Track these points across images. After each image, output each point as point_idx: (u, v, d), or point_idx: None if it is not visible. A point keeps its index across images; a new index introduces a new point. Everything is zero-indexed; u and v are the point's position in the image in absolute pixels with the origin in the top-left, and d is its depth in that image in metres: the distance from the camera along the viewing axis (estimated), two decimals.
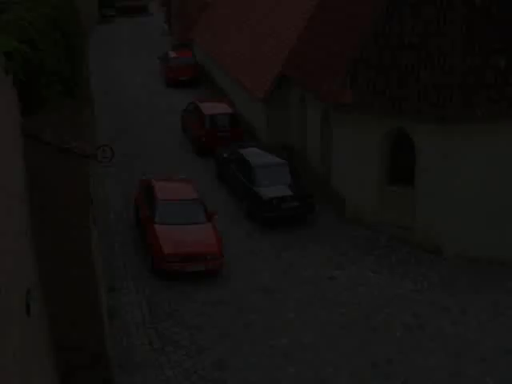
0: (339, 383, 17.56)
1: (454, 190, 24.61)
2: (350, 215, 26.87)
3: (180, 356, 18.07)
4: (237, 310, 20.66)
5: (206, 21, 48.14)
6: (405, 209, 25.64)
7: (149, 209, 23.93)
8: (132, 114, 37.72)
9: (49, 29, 15.00)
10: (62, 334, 14.95)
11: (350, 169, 26.70)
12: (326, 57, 28.18)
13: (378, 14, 26.01)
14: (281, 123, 33.01)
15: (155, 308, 20.13)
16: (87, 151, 13.83)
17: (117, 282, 21.34)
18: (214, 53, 42.91)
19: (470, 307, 21.96)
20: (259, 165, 26.73)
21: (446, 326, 20.68)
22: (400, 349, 19.28)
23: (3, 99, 10.51)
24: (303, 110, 31.05)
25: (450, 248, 25.03)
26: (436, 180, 24.70)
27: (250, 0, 42.12)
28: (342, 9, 30.00)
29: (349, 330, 19.95)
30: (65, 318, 14.83)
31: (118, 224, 25.10)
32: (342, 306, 21.14)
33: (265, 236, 25.14)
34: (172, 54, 45.99)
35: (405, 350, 19.27)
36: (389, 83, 24.99)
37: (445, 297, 22.40)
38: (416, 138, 24.90)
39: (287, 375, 17.66)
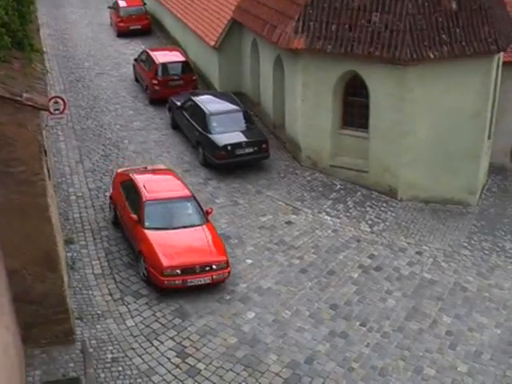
0: (299, 325, 17.84)
1: (406, 133, 24.82)
2: (306, 160, 26.98)
3: (140, 305, 18.13)
4: None
5: None
6: (359, 152, 25.83)
7: (133, 209, 20.16)
8: (83, 66, 37.12)
9: None
10: (22, 287, 14.93)
11: (304, 114, 26.69)
12: (278, 2, 27.92)
13: None
14: (233, 70, 32.79)
15: (114, 259, 20.10)
16: (39, 103, 13.62)
17: (74, 234, 21.21)
18: (164, 0, 42.27)
19: (425, 247, 22.43)
20: (213, 112, 26.61)
21: (402, 267, 21.10)
22: (358, 290, 19.64)
23: None
24: (256, 56, 30.88)
25: (405, 190, 25.38)
26: (389, 123, 24.85)
27: None
28: None
29: (307, 273, 20.21)
30: (24, 272, 14.79)
31: (73, 176, 24.87)
32: (300, 251, 21.36)
33: (221, 183, 25.14)
34: (122, 3, 45.13)
35: (363, 291, 19.63)
36: (340, 27, 24.91)
37: (401, 238, 22.83)
38: (369, 82, 24.97)
39: (247, 320, 17.86)
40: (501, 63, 27.18)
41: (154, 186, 20.92)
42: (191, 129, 27.22)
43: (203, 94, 29.29)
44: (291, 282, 19.73)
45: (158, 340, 16.87)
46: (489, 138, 27.09)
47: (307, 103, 26.41)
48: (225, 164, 25.73)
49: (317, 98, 26.11)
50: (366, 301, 19.20)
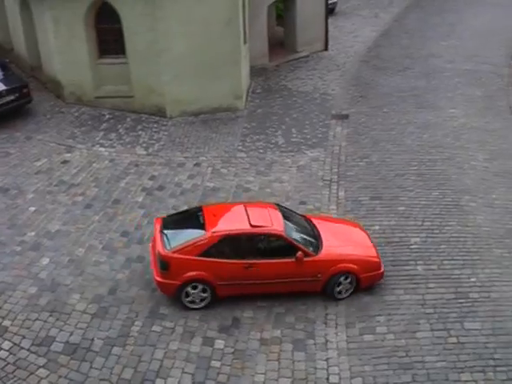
0: (95, 260, 17.77)
1: (164, 51, 24.96)
2: (69, 97, 26.49)
3: None
4: None
5: None
6: (122, 78, 25.70)
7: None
8: None
9: None
10: None
11: (59, 50, 25.99)
12: None
13: None
14: None
15: None
16: None
17: None
18: None
19: (202, 158, 23.04)
20: None
21: (184, 181, 21.57)
22: (146, 213, 19.77)
23: None
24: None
25: (173, 107, 25.71)
26: (146, 44, 24.87)
27: None
28: None
29: (92, 207, 20.11)
30: None
31: None
32: (81, 187, 21.15)
33: None
34: None
35: (151, 212, 19.78)
36: None
37: (177, 154, 23.25)
38: (118, 6, 24.70)
39: (43, 267, 17.57)
40: None
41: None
42: None
43: None
44: (78, 219, 19.56)
45: None
46: (245, 42, 27.80)
47: (60, 39, 25.69)
48: None
49: (69, 32, 25.45)
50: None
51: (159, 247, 15.97)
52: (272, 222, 16.30)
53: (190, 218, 17.10)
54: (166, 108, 25.63)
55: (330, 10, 37.78)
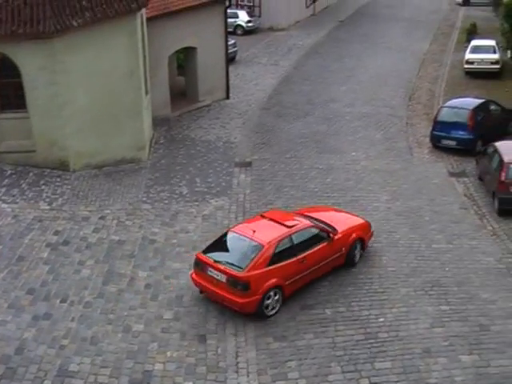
0: (0, 319, 17.25)
1: (65, 104, 24.84)
2: None
3: None
4: None
5: None
6: (24, 133, 25.35)
7: None
8: None
9: None
10: None
11: None
12: None
13: None
14: None
15: None
16: None
17: None
18: None
19: (107, 211, 22.86)
20: None
21: (89, 235, 21.33)
22: (51, 269, 19.44)
23: None
24: None
25: (76, 160, 25.54)
26: (47, 98, 24.70)
27: None
28: None
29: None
30: None
31: None
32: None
33: None
34: None
35: (56, 268, 19.49)
36: None
37: (81, 208, 23.05)
38: (18, 60, 24.47)
39: None
40: (145, 20, 27.97)
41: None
42: None
43: None
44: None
45: None
46: (147, 93, 27.91)
47: None
48: None
49: None
50: (61, 277, 19.12)
51: (229, 273, 17.28)
52: (297, 220, 18.98)
53: (232, 240, 18.56)
54: (69, 161, 25.40)
55: (230, 59, 38.40)
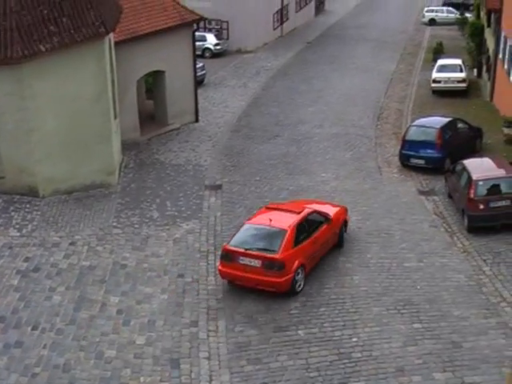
0: None
1: (34, 130, 24.73)
2: None
3: None
4: None
5: None
6: None
7: None
8: None
9: None
10: None
11: None
12: None
13: None
14: None
15: None
16: None
17: None
18: None
19: (77, 237, 22.71)
20: None
21: (59, 261, 21.17)
22: (22, 296, 19.25)
23: None
24: None
25: (45, 186, 25.38)
26: (15, 123, 24.55)
27: None
28: None
29: None
30: None
31: None
32: None
33: None
34: None
35: (26, 295, 19.30)
36: None
37: (52, 234, 22.89)
38: None
39: None
40: (113, 44, 27.98)
41: None
42: None
43: None
44: None
45: None
46: (115, 117, 27.86)
47: None
48: None
49: None
50: (32, 304, 18.93)
51: (265, 256, 19.16)
52: (303, 207, 21.42)
53: (252, 231, 20.23)
54: (38, 187, 25.22)
55: (199, 82, 38.50)
